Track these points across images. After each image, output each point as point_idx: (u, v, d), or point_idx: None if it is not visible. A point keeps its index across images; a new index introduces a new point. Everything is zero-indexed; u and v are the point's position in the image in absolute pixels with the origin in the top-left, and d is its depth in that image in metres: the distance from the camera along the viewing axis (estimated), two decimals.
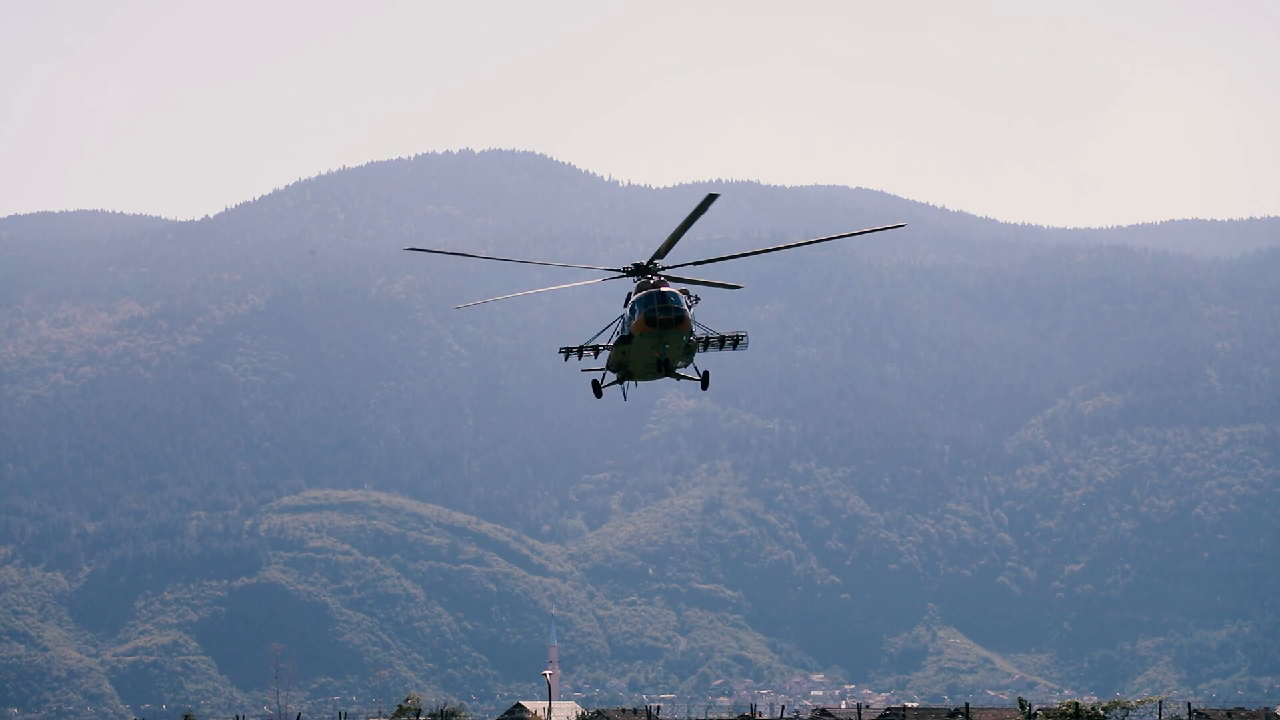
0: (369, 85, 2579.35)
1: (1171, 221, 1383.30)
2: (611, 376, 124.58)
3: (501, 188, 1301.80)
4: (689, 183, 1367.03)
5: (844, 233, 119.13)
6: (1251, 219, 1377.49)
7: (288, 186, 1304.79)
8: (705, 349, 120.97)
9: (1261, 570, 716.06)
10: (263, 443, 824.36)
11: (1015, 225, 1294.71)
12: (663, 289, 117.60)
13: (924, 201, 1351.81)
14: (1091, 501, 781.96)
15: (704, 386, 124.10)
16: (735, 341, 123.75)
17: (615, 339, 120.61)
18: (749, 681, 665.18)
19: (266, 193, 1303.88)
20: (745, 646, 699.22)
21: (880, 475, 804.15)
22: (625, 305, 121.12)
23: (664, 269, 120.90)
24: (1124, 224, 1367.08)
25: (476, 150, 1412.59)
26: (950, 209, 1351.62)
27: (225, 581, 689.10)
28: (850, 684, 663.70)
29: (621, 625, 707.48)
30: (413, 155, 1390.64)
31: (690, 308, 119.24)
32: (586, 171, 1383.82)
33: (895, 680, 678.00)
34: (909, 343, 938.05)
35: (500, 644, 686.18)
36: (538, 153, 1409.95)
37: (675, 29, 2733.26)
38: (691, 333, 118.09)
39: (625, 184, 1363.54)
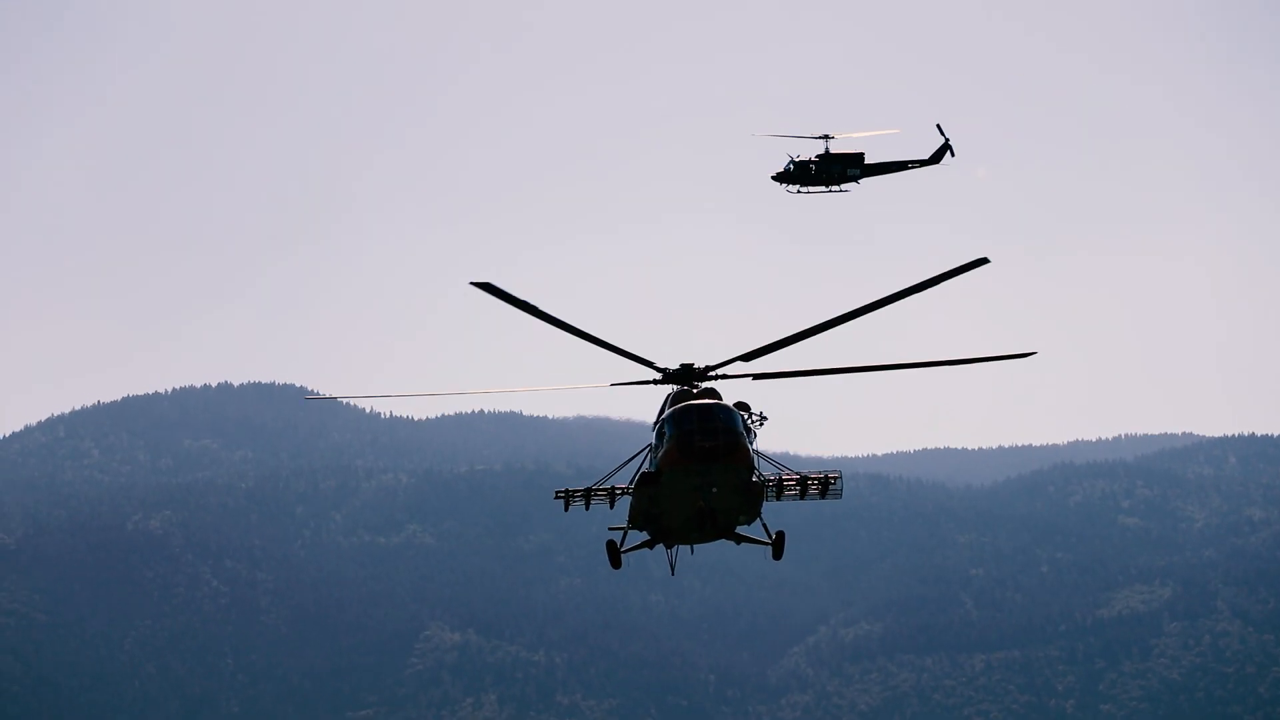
0: (123, 317, 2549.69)
1: (924, 450, 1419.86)
2: (638, 536, 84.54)
3: (261, 420, 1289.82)
4: (450, 414, 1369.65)
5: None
6: (1000, 447, 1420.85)
7: (39, 422, 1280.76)
8: (780, 497, 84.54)
9: None
10: (11, 687, 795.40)
11: (772, 454, 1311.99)
12: (707, 401, 78.43)
13: None
14: None
15: (777, 555, 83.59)
16: (824, 486, 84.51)
17: (638, 478, 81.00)
18: None
19: (18, 429, 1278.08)
20: None
21: (646, 706, 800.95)
22: (653, 427, 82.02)
23: (716, 375, 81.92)
24: (879, 452, 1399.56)
25: (235, 383, 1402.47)
26: None
27: None
28: None
29: None
30: (169, 389, 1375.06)
31: (752, 430, 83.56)
32: (347, 403, 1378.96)
33: None
34: None
35: None
36: (298, 384, 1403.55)
37: (436, 258, 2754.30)
38: (753, 469, 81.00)
39: (387, 415, 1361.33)
